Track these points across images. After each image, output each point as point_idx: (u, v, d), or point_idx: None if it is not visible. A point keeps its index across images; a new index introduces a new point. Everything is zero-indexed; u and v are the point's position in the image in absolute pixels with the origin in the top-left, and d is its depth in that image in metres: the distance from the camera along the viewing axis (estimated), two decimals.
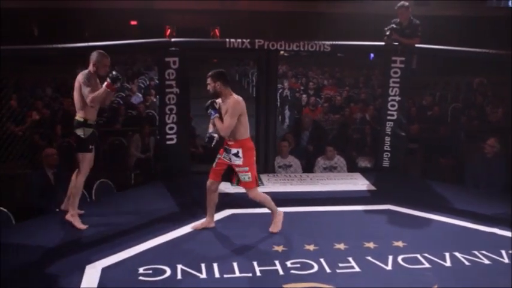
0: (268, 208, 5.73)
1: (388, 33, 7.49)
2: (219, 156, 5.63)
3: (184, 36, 8.03)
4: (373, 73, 14.96)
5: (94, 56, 5.62)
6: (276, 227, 5.73)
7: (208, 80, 5.46)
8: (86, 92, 5.48)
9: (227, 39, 7.40)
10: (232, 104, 5.39)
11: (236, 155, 5.47)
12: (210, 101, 5.52)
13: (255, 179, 5.59)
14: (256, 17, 23.55)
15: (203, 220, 5.85)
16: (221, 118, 5.44)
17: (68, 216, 5.75)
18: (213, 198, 5.76)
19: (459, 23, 19.05)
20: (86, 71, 5.61)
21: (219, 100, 5.52)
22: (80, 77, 5.56)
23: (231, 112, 5.37)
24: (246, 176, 5.50)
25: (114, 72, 5.49)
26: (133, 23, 23.86)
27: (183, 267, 4.98)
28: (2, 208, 5.84)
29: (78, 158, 5.71)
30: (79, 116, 5.64)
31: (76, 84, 5.62)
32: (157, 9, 22.69)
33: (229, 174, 5.64)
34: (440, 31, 15.91)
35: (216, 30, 23.79)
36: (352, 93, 12.67)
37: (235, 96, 5.49)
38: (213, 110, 5.47)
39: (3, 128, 7.41)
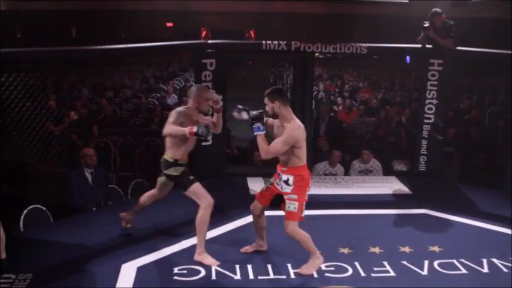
0: (306, 248, 4.98)
1: (423, 32, 7.43)
2: (271, 180, 5.09)
3: (219, 38, 8.07)
4: (409, 76, 14.82)
5: (193, 90, 5.24)
6: (308, 268, 4.98)
7: (265, 100, 4.80)
8: (169, 121, 5.04)
9: (263, 41, 7.42)
10: (290, 130, 4.72)
11: (286, 182, 4.88)
12: (259, 111, 4.83)
13: (299, 212, 4.89)
14: (291, 19, 23.50)
15: (253, 244, 5.38)
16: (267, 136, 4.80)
17: (196, 257, 5.16)
18: (260, 223, 5.24)
19: (497, 25, 18.71)
20: (181, 108, 5.21)
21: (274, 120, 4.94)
22: (172, 112, 5.14)
23: (285, 139, 4.71)
24: (292, 205, 4.85)
25: (203, 130, 4.90)
26: (169, 24, 24.04)
27: (218, 268, 5.00)
28: (41, 206, 5.96)
29: (189, 195, 5.21)
30: (168, 156, 5.21)
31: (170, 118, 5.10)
32: (193, 11, 22.79)
33: (279, 203, 5.04)
34: (478, 32, 15.64)
35: (251, 32, 23.81)
36: (388, 95, 12.57)
37: (296, 121, 4.81)
38: (262, 125, 4.78)
39: (43, 128, 7.54)
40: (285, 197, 4.89)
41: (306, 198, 4.94)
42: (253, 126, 4.78)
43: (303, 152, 4.84)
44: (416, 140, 7.82)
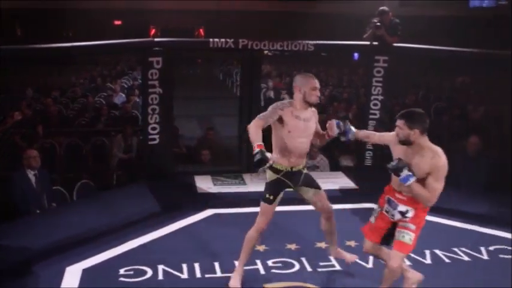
0: None
1: (370, 30, 7.54)
2: (378, 208, 4.39)
3: (169, 37, 8.02)
4: (357, 73, 15.02)
5: (298, 79, 4.49)
6: None
7: (400, 123, 3.98)
8: (261, 114, 4.41)
9: (210, 39, 7.39)
10: (440, 163, 3.97)
11: (403, 214, 4.19)
12: (399, 160, 4.01)
13: (412, 247, 4.20)
14: (242, 17, 23.53)
15: None
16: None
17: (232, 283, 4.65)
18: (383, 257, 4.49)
19: (443, 23, 19.14)
20: (286, 101, 4.58)
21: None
22: (278, 103, 4.51)
23: (437, 174, 3.98)
24: (408, 235, 4.14)
25: (260, 157, 4.02)
26: (118, 22, 23.76)
27: (165, 268, 4.98)
28: None
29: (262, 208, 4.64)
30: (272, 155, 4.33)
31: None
32: (143, 9, 22.60)
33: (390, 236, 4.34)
34: (424, 31, 15.98)
35: (201, 30, 23.73)
36: (336, 92, 12.71)
37: (438, 150, 4.02)
38: (408, 170, 3.96)
39: None
40: (400, 224, 4.20)
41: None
42: (401, 177, 3.97)
43: None
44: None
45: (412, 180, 3.95)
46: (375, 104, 7.76)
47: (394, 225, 4.27)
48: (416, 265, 5.10)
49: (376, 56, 7.63)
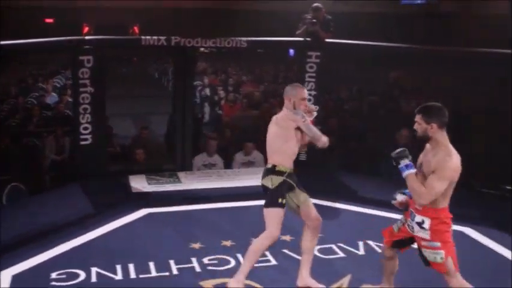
0: None
1: (304, 26, 7.62)
2: (402, 220, 4.20)
3: (102, 35, 7.86)
4: (292, 69, 15.08)
5: (289, 90, 4.52)
6: None
7: (417, 118, 3.82)
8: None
9: (142, 37, 7.31)
10: (449, 163, 3.74)
11: (420, 224, 3.94)
12: (402, 149, 3.95)
13: (454, 262, 3.94)
14: (177, 15, 23.34)
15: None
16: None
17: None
18: (389, 267, 4.41)
19: (375, 19, 19.53)
20: (283, 112, 4.52)
21: None
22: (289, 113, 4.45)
23: (441, 174, 3.73)
24: (438, 255, 3.89)
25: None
26: (49, 20, 23.13)
27: (98, 270, 4.89)
28: None
29: (265, 214, 4.53)
30: (270, 163, 4.54)
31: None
32: (76, 7, 22.10)
33: (407, 245, 4.26)
34: (358, 27, 16.26)
35: (135, 28, 23.37)
36: (272, 88, 12.76)
37: (453, 151, 3.80)
38: (409, 161, 3.88)
39: None
40: (423, 243, 3.96)
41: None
42: (400, 166, 3.89)
43: (450, 190, 3.87)
44: None
45: (409, 171, 3.82)
46: (308, 100, 7.80)
47: (412, 238, 4.10)
48: (350, 256, 5.20)
49: (309, 51, 7.70)
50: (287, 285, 4.73)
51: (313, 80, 7.80)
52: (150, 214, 6.19)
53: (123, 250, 5.30)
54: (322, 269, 4.93)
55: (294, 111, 4.42)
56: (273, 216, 4.44)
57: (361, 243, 5.46)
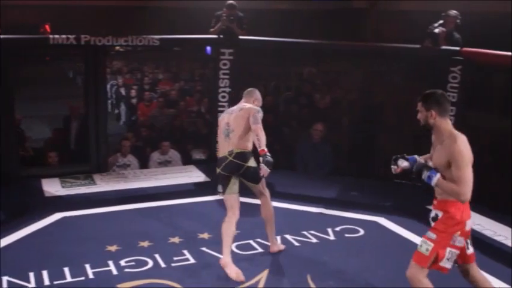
0: None
1: (218, 24, 7.62)
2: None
3: (11, 34, 7.56)
4: (209, 66, 15.02)
5: (257, 93, 5.24)
6: None
7: (418, 106, 3.76)
8: (258, 120, 4.86)
9: (50, 36, 7.10)
10: (458, 148, 3.57)
11: (434, 219, 3.78)
12: (419, 166, 3.77)
13: (430, 259, 3.70)
14: (90, 13, 22.78)
15: None
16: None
17: (274, 248, 5.26)
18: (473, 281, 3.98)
19: (289, 16, 19.78)
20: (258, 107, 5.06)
21: None
22: (256, 110, 4.97)
23: (457, 163, 3.55)
24: (425, 245, 3.72)
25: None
26: None
27: (10, 279, 4.71)
28: None
29: (260, 188, 5.15)
30: (243, 148, 4.96)
31: (242, 115, 4.97)
32: None
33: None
34: (272, 24, 16.40)
35: (46, 27, 22.61)
36: (188, 86, 12.69)
37: (457, 134, 3.66)
38: (431, 171, 3.67)
39: None
40: (426, 233, 3.80)
41: (458, 244, 3.71)
42: (424, 178, 3.69)
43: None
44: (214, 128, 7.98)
45: (436, 178, 3.62)
46: (223, 97, 7.86)
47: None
48: (268, 252, 5.25)
49: (222, 49, 7.72)
50: (206, 283, 4.73)
51: (227, 77, 7.82)
52: (64, 218, 6.02)
53: (36, 257, 5.12)
54: (241, 265, 4.95)
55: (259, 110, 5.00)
56: (264, 184, 5.18)
57: (278, 238, 5.52)
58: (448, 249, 3.68)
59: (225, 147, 5.03)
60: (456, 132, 3.67)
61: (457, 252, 3.72)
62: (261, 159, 4.76)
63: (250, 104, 5.13)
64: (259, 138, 4.83)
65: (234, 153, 4.96)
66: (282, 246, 5.35)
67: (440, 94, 3.74)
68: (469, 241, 3.81)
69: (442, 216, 3.71)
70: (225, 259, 4.79)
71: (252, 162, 4.99)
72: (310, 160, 7.79)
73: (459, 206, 3.65)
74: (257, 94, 5.27)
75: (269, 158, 4.73)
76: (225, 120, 5.09)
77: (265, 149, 4.75)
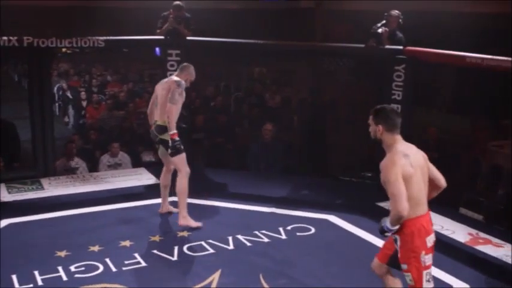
0: None
1: (166, 24, 7.57)
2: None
3: None
4: (159, 67, 14.85)
5: (191, 69, 5.68)
6: None
7: (370, 120, 3.73)
8: (175, 98, 5.40)
9: None
10: (385, 164, 3.57)
11: (395, 241, 3.70)
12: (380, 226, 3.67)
13: (420, 279, 3.60)
14: (34, 13, 22.30)
15: None
16: None
17: (182, 221, 5.70)
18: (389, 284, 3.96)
19: (238, 16, 19.81)
20: (183, 81, 5.55)
21: None
22: (177, 84, 5.48)
23: (387, 178, 3.51)
24: (408, 277, 3.63)
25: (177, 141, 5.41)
26: None
27: None
28: None
29: (174, 162, 5.63)
30: (162, 121, 5.54)
31: (166, 87, 5.53)
32: None
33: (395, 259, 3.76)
34: (220, 24, 16.40)
35: None
36: (137, 87, 12.56)
37: (396, 149, 3.60)
38: (385, 224, 3.60)
39: None
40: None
41: (428, 263, 3.61)
42: (386, 230, 3.60)
43: (411, 192, 3.51)
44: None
45: (387, 222, 3.57)
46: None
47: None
48: (221, 252, 5.26)
49: (169, 50, 7.67)
50: (157, 285, 4.71)
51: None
52: (11, 224, 5.87)
53: None
54: (193, 267, 4.95)
55: (181, 83, 5.48)
56: (181, 160, 5.55)
57: (230, 238, 5.53)
58: (424, 271, 3.59)
59: (153, 117, 5.75)
60: (397, 147, 3.60)
61: (431, 269, 3.64)
62: (170, 143, 5.41)
63: (178, 78, 5.56)
64: (170, 120, 5.37)
65: (155, 124, 5.66)
66: (194, 224, 5.73)
67: (389, 110, 3.75)
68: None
69: (400, 243, 3.62)
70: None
71: (167, 136, 5.47)
72: (262, 159, 7.83)
73: (415, 223, 3.56)
74: (190, 70, 5.67)
75: (176, 144, 5.40)
76: (156, 91, 5.73)
77: (175, 133, 5.40)
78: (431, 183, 3.72)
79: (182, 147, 5.56)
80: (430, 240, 3.62)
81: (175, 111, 5.39)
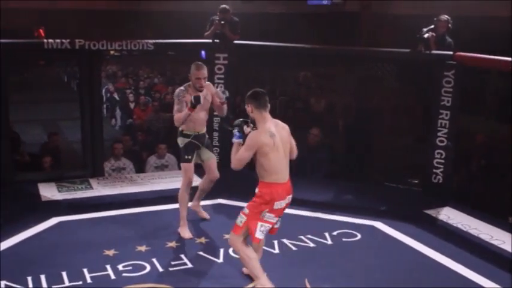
0: (249, 269, 4.57)
1: (212, 27, 7.64)
2: None
3: (5, 38, 7.55)
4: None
5: (191, 67, 5.62)
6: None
7: (246, 104, 4.45)
8: (174, 109, 5.55)
9: (45, 40, 7.08)
10: (252, 135, 4.31)
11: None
12: (241, 120, 4.46)
13: (243, 229, 4.42)
14: (84, 17, 22.77)
15: None
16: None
17: (179, 229, 5.77)
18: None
19: (284, 20, 19.83)
20: (183, 86, 5.63)
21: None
22: (176, 91, 5.63)
23: (246, 143, 4.31)
24: (241, 218, 4.44)
25: (193, 97, 5.32)
26: None
27: (7, 283, 4.70)
28: None
29: (182, 167, 5.79)
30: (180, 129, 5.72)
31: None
32: None
33: None
34: (266, 27, 16.44)
35: (41, 31, 22.57)
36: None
37: (264, 126, 4.33)
38: (238, 132, 4.40)
39: None
40: None
41: (268, 219, 4.41)
42: (233, 132, 4.42)
43: (271, 163, 4.33)
44: (210, 133, 7.97)
45: (235, 140, 4.37)
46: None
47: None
48: (266, 255, 5.25)
49: (217, 53, 7.73)
50: (203, 287, 4.76)
51: (222, 81, 7.83)
52: (61, 223, 6.01)
53: (34, 261, 5.12)
54: (238, 269, 4.97)
55: (176, 92, 5.61)
56: (184, 169, 5.69)
57: (276, 242, 5.54)
58: (259, 223, 4.37)
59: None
60: (268, 124, 4.32)
61: (269, 226, 4.43)
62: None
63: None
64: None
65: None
66: (187, 235, 5.69)
67: (258, 93, 4.41)
68: (279, 219, 4.54)
69: (254, 197, 4.41)
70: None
71: (179, 141, 5.73)
72: (307, 164, 7.81)
73: (270, 187, 4.36)
74: (192, 69, 5.61)
75: (182, 153, 5.72)
76: None
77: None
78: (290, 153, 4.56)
79: (187, 156, 5.66)
80: (279, 204, 4.42)
81: (176, 120, 5.53)
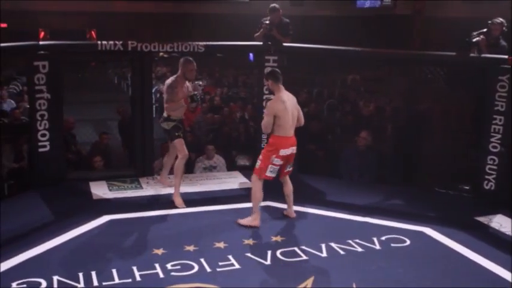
0: (253, 204, 6.01)
1: (262, 29, 7.64)
2: None
3: (59, 39, 7.73)
4: (252, 73, 15.08)
5: (181, 61, 6.50)
6: (244, 221, 6.01)
7: (264, 79, 6.34)
8: (165, 97, 6.48)
9: (99, 41, 7.21)
10: (269, 103, 5.93)
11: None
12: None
13: (261, 171, 5.86)
14: (133, 19, 23.14)
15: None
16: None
17: (173, 198, 6.59)
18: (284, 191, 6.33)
19: (332, 22, 19.73)
20: (174, 76, 6.51)
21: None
22: (167, 81, 6.57)
23: (266, 111, 5.89)
24: (258, 162, 5.92)
25: (196, 93, 6.48)
26: (3, 25, 22.63)
27: (60, 278, 4.82)
28: None
29: (175, 145, 6.59)
30: (165, 113, 6.55)
31: (164, 87, 6.57)
32: (30, 11, 21.67)
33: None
34: (315, 30, 16.40)
35: (93, 32, 23.08)
36: (232, 92, 12.79)
37: (277, 95, 5.88)
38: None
39: None
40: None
41: (275, 163, 5.82)
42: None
43: (281, 122, 5.75)
44: (257, 135, 8.00)
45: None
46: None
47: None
48: (313, 259, 5.25)
49: (266, 56, 7.73)
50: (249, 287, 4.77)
51: None
52: (111, 221, 6.12)
53: (85, 258, 5.23)
54: (286, 272, 4.98)
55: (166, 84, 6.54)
56: (180, 144, 6.53)
57: (323, 246, 5.51)
58: (269, 165, 5.81)
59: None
60: (280, 94, 5.86)
61: (277, 167, 5.87)
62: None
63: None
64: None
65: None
66: (180, 204, 6.51)
67: (274, 70, 6.06)
68: (289, 164, 6.01)
69: (265, 146, 6.15)
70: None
71: (164, 125, 6.56)
72: (355, 167, 7.75)
73: (278, 139, 5.82)
74: (184, 63, 6.51)
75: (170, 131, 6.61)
76: None
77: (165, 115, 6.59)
78: (298, 120, 6.01)
79: (177, 133, 6.52)
80: (284, 152, 5.84)
81: (169, 106, 6.45)
